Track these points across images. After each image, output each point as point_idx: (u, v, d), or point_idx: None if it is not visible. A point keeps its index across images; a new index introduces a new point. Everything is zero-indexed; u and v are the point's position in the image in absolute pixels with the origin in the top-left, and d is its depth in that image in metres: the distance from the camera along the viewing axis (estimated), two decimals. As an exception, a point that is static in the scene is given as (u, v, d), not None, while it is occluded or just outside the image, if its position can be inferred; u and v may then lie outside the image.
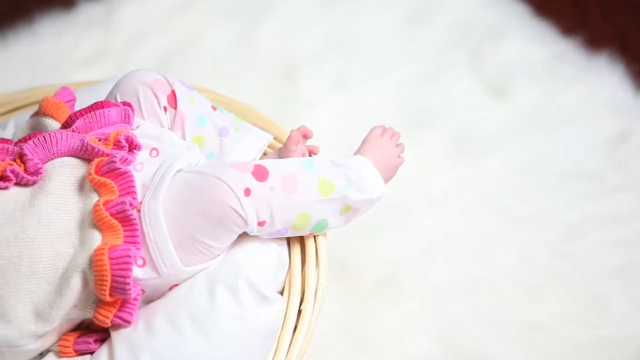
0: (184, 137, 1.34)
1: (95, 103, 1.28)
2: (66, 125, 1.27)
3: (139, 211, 1.17)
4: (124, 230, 1.14)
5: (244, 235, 1.22)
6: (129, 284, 1.10)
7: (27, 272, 1.11)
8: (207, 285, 1.18)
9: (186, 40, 2.28)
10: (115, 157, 1.19)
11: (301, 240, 1.29)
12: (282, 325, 1.20)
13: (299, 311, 1.23)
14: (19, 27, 2.31)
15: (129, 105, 1.30)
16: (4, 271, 1.10)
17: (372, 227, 1.71)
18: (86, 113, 1.27)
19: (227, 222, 1.18)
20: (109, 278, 1.10)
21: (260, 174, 1.20)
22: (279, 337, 1.20)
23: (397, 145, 1.36)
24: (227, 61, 2.20)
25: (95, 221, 1.14)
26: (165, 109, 1.34)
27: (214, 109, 1.38)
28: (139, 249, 1.15)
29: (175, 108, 1.34)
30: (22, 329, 1.10)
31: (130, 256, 1.11)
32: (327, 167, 1.26)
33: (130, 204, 1.15)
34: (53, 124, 1.28)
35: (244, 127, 1.40)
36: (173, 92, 1.34)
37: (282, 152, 1.35)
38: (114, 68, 2.18)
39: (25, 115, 1.45)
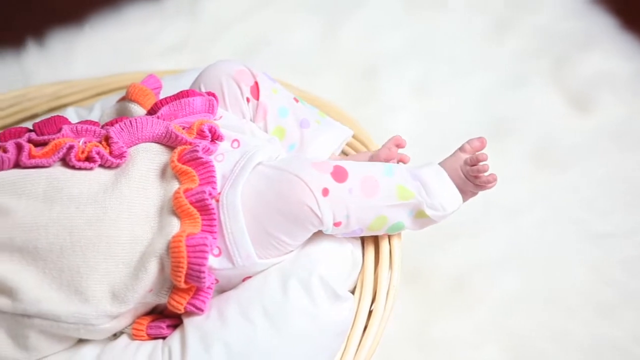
0: (265, 129, 1.35)
1: (180, 92, 1.29)
2: (151, 112, 1.28)
3: (217, 201, 1.17)
4: (202, 219, 1.15)
5: (319, 233, 1.23)
6: (204, 272, 1.11)
7: (106, 253, 1.13)
8: (280, 279, 1.18)
9: (268, 34, 2.29)
10: (198, 146, 1.20)
11: (375, 241, 1.29)
12: (352, 325, 1.20)
13: (370, 311, 1.22)
14: (106, 13, 2.34)
15: (213, 95, 1.31)
16: (84, 250, 1.12)
17: (445, 233, 1.70)
18: (171, 101, 1.28)
19: (303, 220, 1.18)
20: (185, 265, 1.11)
21: (339, 174, 1.19)
22: (349, 336, 1.20)
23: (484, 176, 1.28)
24: (307, 57, 2.20)
25: (174, 208, 1.16)
26: (248, 100, 1.34)
27: (296, 101, 1.39)
28: (215, 238, 1.15)
29: (258, 99, 1.35)
30: (98, 308, 1.12)
31: (206, 245, 1.12)
32: (405, 176, 1.24)
33: (210, 194, 1.16)
34: (138, 110, 1.30)
35: (325, 121, 1.40)
36: (256, 84, 1.35)
37: (374, 159, 1.35)
38: (196, 58, 2.20)
39: (111, 100, 1.48)
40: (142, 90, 1.31)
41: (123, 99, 1.33)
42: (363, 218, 1.21)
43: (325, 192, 1.17)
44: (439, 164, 1.29)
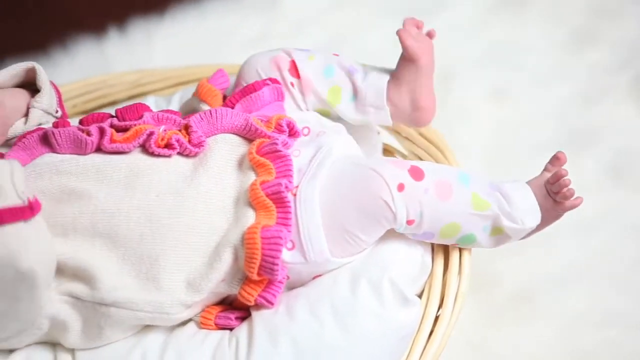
0: (320, 97, 1.34)
1: (246, 87, 1.30)
2: (227, 106, 1.29)
3: (294, 195, 1.18)
4: (277, 212, 1.16)
5: (391, 234, 1.22)
6: (277, 264, 1.12)
7: (184, 242, 1.14)
8: (350, 278, 1.19)
9: (345, 34, 2.29)
10: (278, 139, 1.21)
11: (445, 247, 1.28)
12: (418, 329, 1.20)
13: (436, 317, 1.22)
14: (187, 5, 2.37)
15: (276, 81, 1.32)
16: (163, 238, 1.14)
17: (512, 243, 1.68)
18: (241, 98, 1.29)
19: (378, 215, 1.18)
20: (258, 256, 1.12)
21: (416, 173, 1.19)
22: (414, 340, 1.19)
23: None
24: (383, 59, 2.18)
25: (250, 199, 1.16)
26: (292, 84, 1.34)
27: (337, 55, 1.38)
28: (290, 231, 1.16)
29: (299, 77, 1.34)
30: (174, 297, 1.13)
31: (281, 237, 1.13)
32: (482, 186, 1.22)
33: (286, 187, 1.17)
34: (206, 110, 1.31)
35: (369, 65, 1.38)
36: (292, 62, 1.35)
37: (406, 55, 1.32)
38: (274, 54, 2.21)
39: (189, 91, 1.49)
40: (210, 90, 1.32)
41: (195, 94, 1.35)
42: (436, 220, 1.20)
43: (401, 187, 1.17)
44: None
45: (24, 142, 1.19)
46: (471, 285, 1.62)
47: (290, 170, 1.19)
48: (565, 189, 1.21)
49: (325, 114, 1.35)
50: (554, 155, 1.25)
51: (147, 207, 1.15)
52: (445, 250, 1.28)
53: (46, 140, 1.19)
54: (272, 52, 1.37)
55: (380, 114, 1.34)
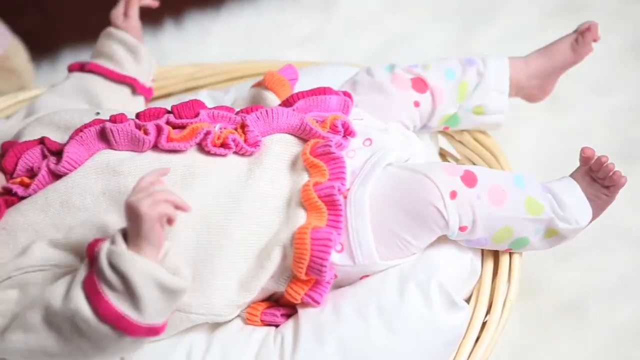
0: (452, 99, 1.37)
1: (318, 88, 1.30)
2: (287, 103, 1.29)
3: (345, 197, 1.18)
4: (329, 214, 1.16)
5: (442, 237, 1.22)
6: (325, 266, 1.12)
7: (238, 243, 1.15)
8: (399, 281, 1.18)
9: (400, 35, 2.28)
10: (332, 141, 1.21)
11: (495, 252, 1.27)
12: (465, 334, 1.19)
13: (484, 323, 1.21)
14: (243, 0, 2.38)
15: (349, 96, 1.31)
16: (218, 240, 1.14)
17: (563, 251, 1.65)
18: (308, 96, 1.29)
19: (429, 221, 1.17)
20: (307, 257, 1.12)
21: (469, 179, 1.18)
22: (460, 345, 1.18)
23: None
24: (436, 64, 2.19)
25: (302, 200, 1.17)
26: (416, 104, 1.36)
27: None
28: (340, 234, 1.16)
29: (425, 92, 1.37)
30: (227, 298, 1.14)
31: (331, 240, 1.13)
32: (536, 189, 1.23)
33: (339, 190, 1.17)
34: (273, 99, 1.31)
35: None
36: (419, 78, 1.37)
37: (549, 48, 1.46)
38: (327, 53, 2.21)
39: (245, 85, 1.50)
40: (279, 80, 1.32)
41: (259, 84, 1.35)
42: (489, 226, 1.19)
43: (454, 194, 1.16)
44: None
45: (81, 137, 1.19)
46: (519, 292, 1.61)
47: (344, 172, 1.19)
48: (611, 173, 1.21)
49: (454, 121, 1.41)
50: (583, 152, 1.24)
51: (204, 208, 1.15)
52: (495, 255, 1.27)
53: (103, 136, 1.20)
54: (396, 68, 1.39)
55: (501, 99, 1.40)
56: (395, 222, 1.17)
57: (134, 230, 0.96)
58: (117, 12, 1.48)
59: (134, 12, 1.48)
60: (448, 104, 1.37)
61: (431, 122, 1.38)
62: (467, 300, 1.23)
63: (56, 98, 1.42)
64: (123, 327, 0.96)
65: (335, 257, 1.16)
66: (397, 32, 2.29)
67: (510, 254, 1.27)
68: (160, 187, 0.97)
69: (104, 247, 0.96)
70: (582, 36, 1.42)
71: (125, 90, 1.46)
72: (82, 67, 1.46)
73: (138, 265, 0.94)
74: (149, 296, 0.94)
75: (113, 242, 0.96)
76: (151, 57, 1.51)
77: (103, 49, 1.47)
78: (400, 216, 1.17)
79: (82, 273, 0.98)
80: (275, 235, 1.16)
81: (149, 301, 0.95)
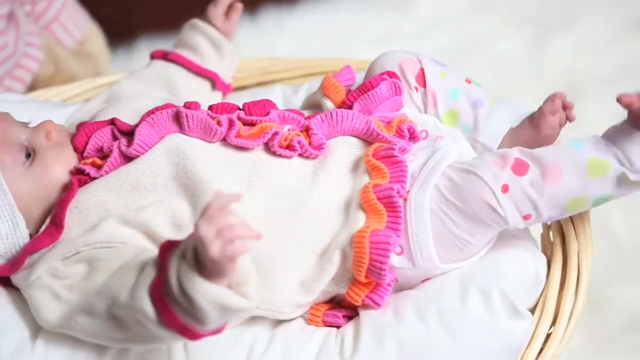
0: (437, 115, 1.31)
1: (363, 84, 1.29)
2: (344, 106, 1.29)
3: (405, 200, 1.17)
4: (388, 216, 1.15)
5: (505, 243, 1.21)
6: (384, 269, 1.12)
7: (301, 244, 1.16)
8: (460, 285, 1.17)
9: (474, 39, 2.27)
10: (396, 145, 1.20)
11: (564, 263, 1.25)
12: (528, 345, 1.17)
13: (547, 335, 1.19)
14: (319, -5, 2.40)
15: (394, 75, 1.30)
16: (280, 239, 1.15)
17: (629, 265, 1.63)
18: (359, 96, 1.28)
19: (486, 219, 1.16)
20: (366, 260, 1.12)
21: (520, 167, 1.16)
22: (522, 356, 1.17)
23: None
24: (511, 69, 2.17)
25: (362, 202, 1.16)
26: (416, 89, 1.32)
27: (469, 82, 1.34)
28: (399, 236, 1.15)
29: (425, 86, 1.32)
30: (288, 297, 1.15)
31: (390, 243, 1.12)
32: (597, 145, 1.17)
33: (398, 192, 1.16)
34: (329, 104, 1.31)
35: (501, 100, 1.34)
36: (422, 70, 1.32)
37: (536, 118, 1.28)
38: (400, 54, 2.20)
39: (316, 83, 1.50)
40: (334, 85, 1.32)
41: (320, 87, 1.35)
42: (555, 205, 1.16)
43: (505, 188, 1.15)
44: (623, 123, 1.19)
45: (152, 119, 1.20)
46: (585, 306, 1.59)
47: (405, 176, 1.18)
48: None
49: None
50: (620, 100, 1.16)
51: (267, 207, 1.16)
52: (563, 266, 1.25)
53: (177, 119, 1.21)
54: (403, 53, 1.35)
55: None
56: (453, 223, 1.16)
57: (205, 261, 0.92)
58: (217, 12, 1.49)
59: (236, 17, 1.50)
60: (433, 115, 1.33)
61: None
62: (532, 311, 1.20)
63: (137, 84, 1.44)
64: (186, 334, 0.96)
65: (395, 260, 1.16)
66: (470, 36, 2.29)
67: (580, 266, 1.24)
68: (231, 221, 0.92)
69: (175, 262, 0.93)
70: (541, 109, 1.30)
71: (206, 84, 1.48)
72: (165, 56, 1.47)
73: (208, 293, 0.91)
74: (215, 317, 0.93)
75: (184, 256, 0.93)
76: (235, 54, 1.52)
77: (187, 40, 1.48)
78: (457, 217, 1.16)
79: (150, 273, 0.97)
80: (336, 237, 1.16)
81: (214, 320, 0.94)
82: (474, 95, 1.32)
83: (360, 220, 1.15)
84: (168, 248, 0.96)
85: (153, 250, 1.04)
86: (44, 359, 1.11)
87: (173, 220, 1.15)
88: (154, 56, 1.49)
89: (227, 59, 1.50)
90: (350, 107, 1.27)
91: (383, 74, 1.29)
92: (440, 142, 1.24)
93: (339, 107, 1.29)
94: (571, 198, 1.17)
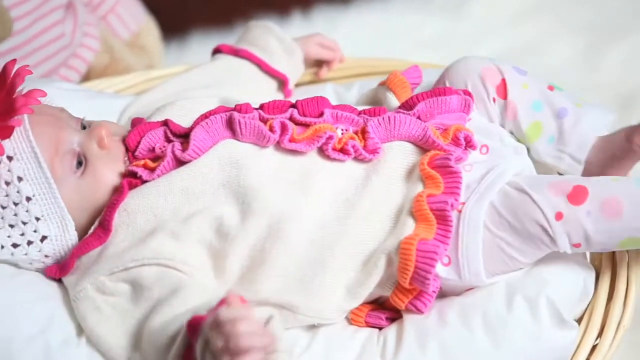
0: (519, 127, 1.31)
1: (437, 88, 1.28)
2: (407, 105, 1.27)
3: (459, 212, 1.16)
4: (438, 227, 1.15)
5: (554, 253, 1.19)
6: (429, 278, 1.11)
7: (348, 249, 1.16)
8: (506, 293, 1.16)
9: (527, 45, 2.25)
10: (452, 154, 1.19)
11: (612, 275, 1.23)
12: (574, 355, 1.16)
13: (594, 346, 1.18)
14: (373, -2, 2.40)
15: (469, 94, 1.29)
16: (331, 245, 1.15)
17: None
18: (428, 97, 1.27)
19: (536, 241, 1.15)
20: (411, 268, 1.11)
21: (577, 196, 1.14)
22: (568, 366, 1.16)
23: None
24: (565, 75, 2.13)
25: (413, 210, 1.16)
26: (494, 100, 1.31)
27: (551, 89, 1.32)
28: (447, 248, 1.14)
29: (505, 98, 1.31)
30: (333, 303, 1.15)
31: (437, 253, 1.11)
32: None
33: (452, 205, 1.15)
34: (393, 100, 1.30)
35: (587, 103, 1.32)
36: (503, 81, 1.31)
37: (624, 148, 1.26)
38: (451, 57, 2.18)
39: (368, 83, 1.49)
40: (401, 81, 1.32)
41: (383, 83, 1.34)
42: (607, 240, 1.15)
43: (559, 216, 1.13)
44: None
45: (207, 123, 1.21)
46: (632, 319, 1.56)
47: (459, 187, 1.17)
48: None
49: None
50: None
51: (318, 212, 1.16)
52: (612, 278, 1.23)
53: (230, 125, 1.21)
54: (484, 60, 1.34)
55: (574, 167, 1.30)
56: (504, 241, 1.15)
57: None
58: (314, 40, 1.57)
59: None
60: (515, 128, 1.32)
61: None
62: (578, 321, 1.19)
63: (206, 77, 1.45)
64: None
65: (441, 270, 1.15)
66: (525, 41, 2.27)
67: (629, 279, 1.22)
68: (240, 330, 0.91)
69: (201, 345, 0.95)
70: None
71: (273, 85, 1.48)
72: (235, 52, 1.47)
73: None
74: None
75: (207, 342, 0.94)
76: (302, 64, 1.53)
77: (258, 41, 1.48)
78: (509, 234, 1.15)
79: (182, 341, 1.01)
80: (383, 242, 1.16)
81: None
82: (557, 104, 1.30)
83: (409, 227, 1.15)
84: (195, 326, 0.98)
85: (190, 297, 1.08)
86: (89, 355, 1.13)
87: (219, 228, 1.15)
88: (223, 51, 1.49)
89: (297, 67, 1.52)
90: (412, 108, 1.26)
91: (459, 90, 1.29)
92: (500, 158, 1.23)
93: (402, 104, 1.28)
94: (628, 237, 1.15)
